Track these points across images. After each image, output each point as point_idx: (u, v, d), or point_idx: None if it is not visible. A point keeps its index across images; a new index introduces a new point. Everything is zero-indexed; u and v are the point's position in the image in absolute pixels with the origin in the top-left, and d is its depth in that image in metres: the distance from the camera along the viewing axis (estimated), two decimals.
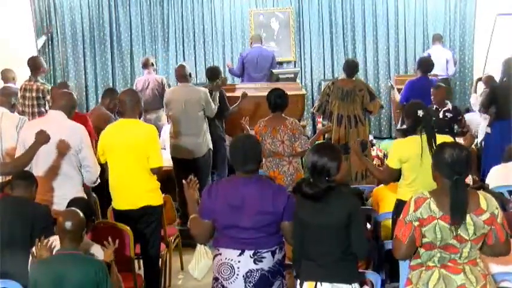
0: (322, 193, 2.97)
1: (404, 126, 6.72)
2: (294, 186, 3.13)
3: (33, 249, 3.41)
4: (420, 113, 3.88)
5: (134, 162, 4.30)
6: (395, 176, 4.09)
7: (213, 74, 6.73)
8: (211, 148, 6.31)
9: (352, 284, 3.00)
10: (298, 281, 3.07)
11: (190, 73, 6.29)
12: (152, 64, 8.31)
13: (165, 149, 6.70)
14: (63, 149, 4.23)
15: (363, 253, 3.06)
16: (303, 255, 3.07)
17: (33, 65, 6.81)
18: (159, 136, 4.79)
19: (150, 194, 4.40)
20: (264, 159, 5.20)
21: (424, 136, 3.83)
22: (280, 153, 5.13)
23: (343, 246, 2.98)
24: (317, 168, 3.01)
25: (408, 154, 3.92)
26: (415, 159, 3.85)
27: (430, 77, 6.98)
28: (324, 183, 2.98)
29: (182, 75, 6.26)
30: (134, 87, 8.22)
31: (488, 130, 6.52)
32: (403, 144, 4.02)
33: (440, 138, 3.75)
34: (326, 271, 2.99)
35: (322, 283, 2.98)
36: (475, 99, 7.16)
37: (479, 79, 7.42)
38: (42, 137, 4.02)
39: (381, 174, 4.27)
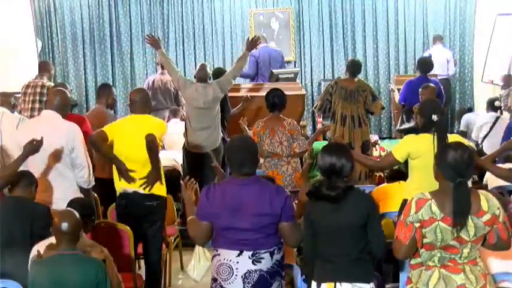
0: (343, 194, 2.97)
1: (404, 126, 6.77)
2: (310, 190, 3.08)
3: (36, 247, 3.40)
4: (434, 117, 3.85)
5: (144, 150, 4.20)
6: (393, 166, 4.13)
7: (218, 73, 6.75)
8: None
9: (371, 284, 3.01)
10: (315, 283, 3.03)
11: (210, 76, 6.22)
12: None
13: (164, 148, 6.70)
14: (57, 149, 4.22)
15: (381, 252, 3.06)
16: (318, 257, 3.06)
17: (44, 67, 7.12)
18: None
19: (156, 184, 4.33)
20: (262, 160, 5.20)
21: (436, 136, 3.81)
22: (279, 154, 5.12)
23: (361, 245, 2.99)
24: (336, 170, 3.00)
25: (420, 150, 3.91)
26: (427, 157, 3.71)
27: (429, 77, 6.96)
28: (343, 183, 2.98)
29: (202, 78, 6.06)
30: (145, 85, 8.20)
31: None
32: (415, 140, 4.00)
33: (452, 138, 3.78)
34: (345, 271, 2.98)
35: (342, 283, 2.97)
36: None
37: None
38: (30, 149, 3.97)
39: (377, 163, 4.32)
